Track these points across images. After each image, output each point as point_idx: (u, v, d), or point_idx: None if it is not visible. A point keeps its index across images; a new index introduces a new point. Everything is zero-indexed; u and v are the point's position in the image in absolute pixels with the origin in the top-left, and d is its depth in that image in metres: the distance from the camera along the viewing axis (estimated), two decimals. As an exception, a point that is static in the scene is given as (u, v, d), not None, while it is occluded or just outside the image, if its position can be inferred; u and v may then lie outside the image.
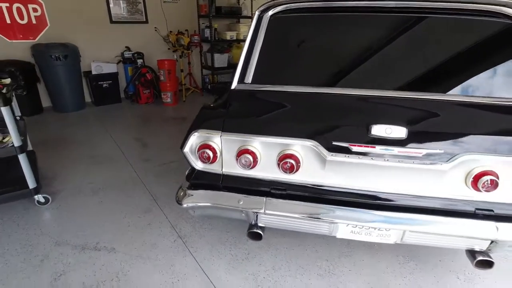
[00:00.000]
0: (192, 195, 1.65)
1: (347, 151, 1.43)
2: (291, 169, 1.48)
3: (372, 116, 1.45)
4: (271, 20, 1.72)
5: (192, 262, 1.95)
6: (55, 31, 4.68)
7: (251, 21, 1.74)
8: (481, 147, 1.35)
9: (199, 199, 1.64)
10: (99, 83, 4.95)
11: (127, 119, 4.78)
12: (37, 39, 4.67)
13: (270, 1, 1.75)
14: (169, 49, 5.49)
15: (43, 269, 1.86)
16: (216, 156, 1.58)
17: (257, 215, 1.65)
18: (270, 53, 1.72)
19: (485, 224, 1.42)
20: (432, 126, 1.43)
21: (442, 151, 1.36)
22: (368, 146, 1.41)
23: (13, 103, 2.52)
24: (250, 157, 1.51)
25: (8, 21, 4.53)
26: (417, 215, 1.47)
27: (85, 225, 2.26)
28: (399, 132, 1.38)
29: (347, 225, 1.57)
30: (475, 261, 1.54)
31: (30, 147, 2.93)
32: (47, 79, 4.59)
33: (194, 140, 1.57)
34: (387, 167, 1.42)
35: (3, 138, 2.25)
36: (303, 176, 1.54)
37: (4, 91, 2.10)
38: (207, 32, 5.60)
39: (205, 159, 1.56)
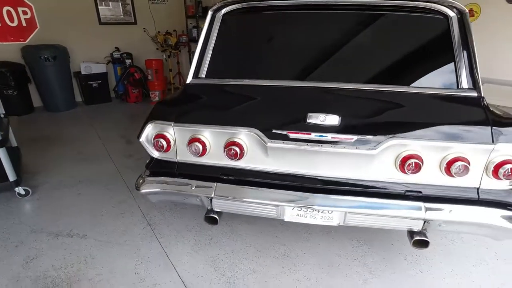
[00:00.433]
0: (149, 181, 1.77)
1: (285, 138, 1.54)
2: (235, 156, 1.60)
3: (309, 106, 1.57)
4: (224, 19, 1.84)
5: (157, 247, 2.07)
6: (45, 33, 4.83)
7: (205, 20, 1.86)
8: (407, 133, 1.46)
9: (155, 185, 1.76)
10: (89, 83, 5.10)
11: (115, 117, 4.92)
12: (27, 40, 4.82)
13: (223, 1, 1.87)
14: (157, 49, 5.63)
15: (17, 253, 2.00)
16: (170, 145, 1.70)
17: (211, 200, 1.78)
18: (222, 50, 1.84)
19: (414, 204, 1.54)
20: (363, 114, 1.55)
21: (371, 137, 1.48)
22: (304, 133, 1.52)
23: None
24: (200, 145, 1.63)
25: (-1, 23, 4.71)
26: (353, 197, 1.59)
27: (62, 215, 2.39)
28: (333, 120, 1.50)
29: (293, 208, 1.69)
30: (412, 240, 1.66)
31: (14, 144, 3.07)
32: (38, 79, 4.75)
33: (150, 130, 1.70)
34: (322, 152, 1.54)
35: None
36: (249, 163, 1.66)
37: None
38: (194, 32, 5.74)
39: (159, 148, 1.69)
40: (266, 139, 1.56)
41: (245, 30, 1.88)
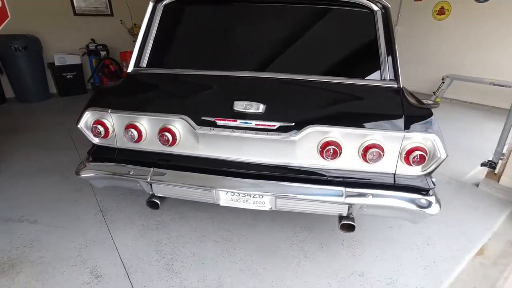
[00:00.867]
0: (89, 167, 1.83)
1: (213, 124, 1.61)
2: (167, 142, 1.66)
3: (236, 94, 1.64)
4: (164, 10, 1.89)
5: (105, 232, 2.13)
6: (17, 23, 4.77)
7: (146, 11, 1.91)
8: (326, 120, 1.54)
9: (94, 171, 1.82)
10: (63, 74, 5.09)
11: (89, 109, 4.92)
12: (-1, 30, 4.81)
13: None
14: (134, 41, 5.62)
15: (-36, 237, 2.04)
16: (108, 132, 1.75)
17: (151, 185, 1.84)
18: (162, 40, 1.89)
19: (336, 189, 1.62)
20: (287, 102, 1.63)
21: (293, 124, 1.55)
22: (230, 120, 1.59)
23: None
24: (135, 132, 1.69)
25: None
26: (279, 182, 1.66)
27: (16, 201, 2.43)
28: (257, 107, 1.57)
29: (226, 193, 1.76)
30: (339, 224, 1.75)
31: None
32: (9, 70, 4.72)
33: (88, 117, 1.75)
34: (248, 138, 1.61)
35: None
36: (182, 149, 1.73)
37: None
38: (172, 25, 5.74)
39: (97, 134, 1.74)
40: (195, 125, 1.62)
41: (183, 22, 1.94)
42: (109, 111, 1.71)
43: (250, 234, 2.15)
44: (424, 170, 1.56)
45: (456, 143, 3.83)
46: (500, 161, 2.69)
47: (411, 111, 1.54)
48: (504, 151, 2.65)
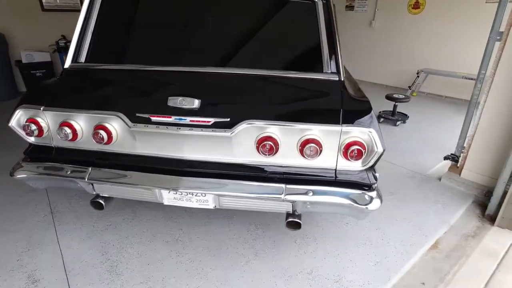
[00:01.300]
0: (24, 167, 1.75)
1: (148, 121, 1.54)
2: (102, 140, 1.59)
3: (171, 89, 1.57)
4: (103, 2, 1.81)
5: (52, 234, 2.06)
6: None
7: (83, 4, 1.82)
8: (262, 115, 1.48)
9: (29, 171, 1.74)
10: (32, 72, 4.94)
11: (59, 107, 4.80)
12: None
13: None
14: (107, 37, 5.48)
15: None
16: (43, 130, 1.67)
17: (92, 185, 1.77)
18: (101, 34, 1.81)
19: (276, 186, 1.57)
20: (223, 97, 1.57)
21: (228, 120, 1.49)
22: (165, 117, 1.53)
23: None
24: (69, 130, 1.61)
25: None
26: (219, 179, 1.61)
27: (-37, 204, 2.34)
28: (192, 103, 1.51)
29: (169, 191, 1.70)
30: (285, 222, 1.71)
31: None
32: (-28, 67, 4.56)
33: (20, 115, 1.67)
34: (184, 135, 1.54)
35: None
36: (120, 147, 1.66)
37: None
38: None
39: (30, 133, 1.66)
40: (129, 123, 1.55)
41: (122, 15, 1.86)
42: (41, 108, 1.63)
43: (202, 233, 2.09)
44: (365, 165, 1.52)
45: (425, 137, 3.83)
46: (462, 154, 2.69)
47: (350, 105, 1.50)
48: (465, 144, 2.65)
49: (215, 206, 1.74)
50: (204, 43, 1.75)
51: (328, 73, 1.62)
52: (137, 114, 1.55)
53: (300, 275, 1.78)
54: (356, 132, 1.45)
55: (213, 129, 1.50)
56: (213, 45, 1.73)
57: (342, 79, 1.61)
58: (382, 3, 5.93)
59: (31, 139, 1.73)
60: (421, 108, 4.97)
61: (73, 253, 1.91)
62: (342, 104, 1.49)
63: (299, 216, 1.72)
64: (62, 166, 1.72)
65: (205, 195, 1.69)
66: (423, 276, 1.82)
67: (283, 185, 1.57)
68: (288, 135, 1.50)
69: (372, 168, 1.58)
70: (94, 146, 1.68)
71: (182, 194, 1.70)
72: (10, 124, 1.68)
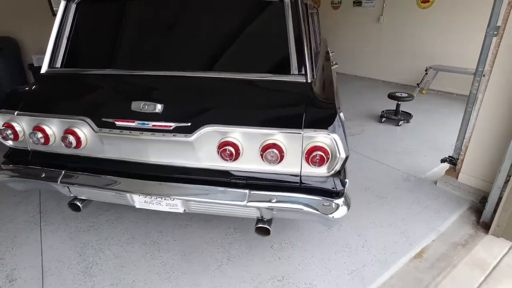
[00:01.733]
0: (2, 170, 1.81)
1: (112, 126, 1.55)
2: (70, 144, 1.61)
3: (136, 93, 1.57)
4: (77, 9, 1.83)
5: (36, 234, 2.12)
6: (-5, 26, 4.87)
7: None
8: (223, 120, 1.45)
9: (6, 174, 1.79)
10: (42, 74, 5.13)
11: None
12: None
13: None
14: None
15: None
16: (18, 135, 1.72)
17: (69, 188, 1.81)
18: (75, 39, 1.84)
19: (239, 192, 1.54)
20: (185, 102, 1.55)
21: (188, 124, 1.47)
22: (128, 121, 1.53)
23: None
24: (40, 134, 1.65)
25: None
26: (183, 184, 1.60)
27: (-39, 203, 2.46)
28: (155, 107, 1.50)
29: (139, 195, 1.71)
30: (254, 227, 1.67)
31: None
32: (-13, 72, 4.79)
33: (-4, 119, 1.72)
34: (148, 140, 1.54)
35: None
36: (90, 151, 1.68)
37: None
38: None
39: (6, 137, 1.71)
40: (95, 127, 1.57)
41: (94, 21, 1.87)
42: (15, 113, 1.68)
43: (180, 235, 2.09)
44: (330, 171, 1.46)
45: (428, 137, 3.66)
46: (459, 157, 2.54)
47: (314, 108, 1.44)
48: (463, 146, 2.50)
49: (184, 210, 1.73)
50: (169, 46, 1.74)
51: (295, 75, 1.57)
52: (103, 119, 1.56)
53: (270, 282, 1.74)
54: (319, 137, 1.39)
55: (174, 134, 1.49)
56: (179, 48, 1.72)
57: (310, 81, 1.55)
58: (390, -2, 5.72)
59: (9, 143, 1.78)
60: (428, 107, 4.75)
61: (53, 253, 1.96)
62: (306, 108, 1.43)
63: (268, 222, 1.68)
64: (37, 169, 1.77)
65: (173, 199, 1.68)
66: (402, 287, 1.73)
67: (246, 191, 1.54)
68: (250, 140, 1.46)
69: (339, 174, 1.51)
70: (66, 150, 1.71)
71: (151, 198, 1.71)
72: (-13, 129, 1.74)
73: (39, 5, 5.19)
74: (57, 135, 1.69)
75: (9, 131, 1.69)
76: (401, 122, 3.94)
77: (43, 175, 1.75)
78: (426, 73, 5.01)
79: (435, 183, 2.64)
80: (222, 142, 1.46)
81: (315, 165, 1.42)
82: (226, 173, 1.57)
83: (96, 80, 1.73)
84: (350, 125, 4.01)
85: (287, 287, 1.71)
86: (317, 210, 1.45)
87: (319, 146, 1.39)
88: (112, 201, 1.84)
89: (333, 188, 1.50)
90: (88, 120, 1.57)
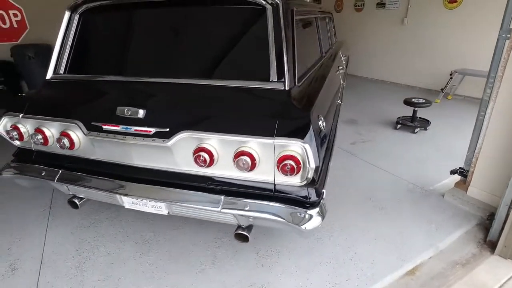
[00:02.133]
0: (9, 167, 1.97)
1: (100, 129, 1.64)
2: (64, 146, 1.72)
3: (121, 99, 1.65)
4: (79, 19, 1.96)
5: (42, 228, 2.28)
6: (35, 33, 5.32)
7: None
8: (198, 126, 1.48)
9: (12, 171, 1.96)
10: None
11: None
12: (19, 40, 5.37)
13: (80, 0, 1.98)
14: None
15: None
16: (23, 136, 1.87)
17: (67, 186, 1.94)
18: (77, 47, 1.97)
19: (214, 197, 1.56)
20: (166, 107, 1.61)
21: (166, 130, 1.52)
22: (113, 125, 1.61)
23: None
24: (40, 136, 1.79)
25: (-9, 27, 5.30)
26: (161, 187, 1.66)
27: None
28: (137, 112, 1.57)
29: (126, 196, 1.79)
30: (234, 233, 1.68)
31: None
32: (25, 76, 5.24)
33: (6, 121, 1.89)
34: (130, 144, 1.61)
35: None
36: (83, 152, 1.78)
37: None
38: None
39: (12, 138, 1.87)
40: (85, 130, 1.67)
41: (94, 30, 1.98)
42: (20, 116, 1.83)
43: (171, 237, 2.15)
44: (303, 181, 1.43)
45: (444, 146, 3.44)
46: (470, 169, 2.36)
47: (287, 116, 1.42)
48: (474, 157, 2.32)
49: (168, 213, 1.78)
50: (155, 54, 1.80)
51: (274, 82, 1.55)
52: (92, 123, 1.66)
53: (249, 289, 1.74)
54: (291, 146, 1.37)
55: (154, 138, 1.54)
56: (164, 55, 1.78)
57: (288, 88, 1.53)
58: (415, -1, 5.45)
59: (17, 143, 1.95)
60: (451, 113, 4.46)
61: (53, 246, 2.10)
62: (280, 116, 1.42)
63: (248, 229, 1.68)
64: (38, 168, 1.91)
65: (157, 201, 1.73)
66: (386, 304, 1.65)
67: (222, 197, 1.55)
68: (224, 147, 1.47)
69: (313, 184, 1.47)
70: (63, 151, 1.84)
71: (138, 199, 1.77)
72: (-3, 130, 1.91)
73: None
74: (55, 136, 1.82)
75: (15, 132, 1.85)
76: (417, 129, 3.74)
77: (43, 174, 1.89)
78: (451, 78, 4.70)
79: (443, 196, 2.48)
80: (197, 148, 1.49)
81: (287, 174, 1.40)
82: (203, 178, 1.60)
83: (91, 86, 1.84)
84: (362, 131, 3.88)
85: (265, 296, 1.69)
86: (289, 220, 1.43)
87: (290, 155, 1.37)
88: (105, 200, 1.93)
89: (307, 198, 1.47)
90: (80, 123, 1.68)
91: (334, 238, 2.08)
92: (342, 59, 3.76)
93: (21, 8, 5.28)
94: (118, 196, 1.79)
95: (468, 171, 2.39)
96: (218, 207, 1.53)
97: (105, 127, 1.63)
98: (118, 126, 1.60)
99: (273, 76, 1.56)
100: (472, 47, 4.75)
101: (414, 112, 3.78)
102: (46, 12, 5.40)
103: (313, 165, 1.34)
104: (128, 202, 1.82)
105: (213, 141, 1.48)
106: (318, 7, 3.01)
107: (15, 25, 5.35)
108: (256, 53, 1.64)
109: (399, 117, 3.95)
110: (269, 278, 1.80)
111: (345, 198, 2.52)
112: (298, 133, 1.36)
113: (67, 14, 1.98)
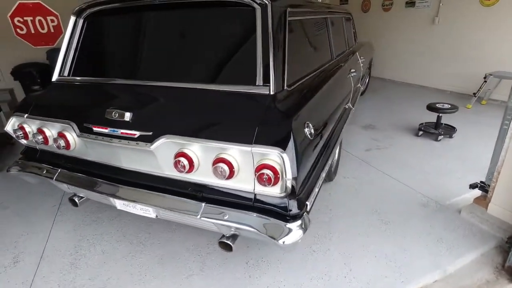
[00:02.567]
0: (16, 165, 2.08)
1: (90, 131, 1.67)
2: (60, 147, 1.78)
3: (111, 102, 1.67)
4: (84, 23, 2.03)
5: (49, 223, 2.39)
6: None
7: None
8: (179, 131, 1.45)
9: (18, 169, 2.06)
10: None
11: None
12: (55, 44, 5.75)
13: (86, 3, 2.04)
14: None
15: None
16: (28, 135, 1.97)
17: (66, 185, 2.01)
18: (81, 50, 2.04)
19: (195, 204, 1.52)
20: (151, 111, 1.59)
21: (150, 133, 1.51)
22: (102, 128, 1.63)
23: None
24: (40, 136, 1.86)
25: (32, 31, 5.69)
26: (146, 191, 1.66)
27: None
28: (123, 115, 1.57)
29: (117, 198, 1.81)
30: (218, 241, 1.64)
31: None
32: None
33: (14, 121, 1.99)
34: (117, 146, 1.62)
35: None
36: (79, 153, 1.83)
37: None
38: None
39: (18, 137, 1.97)
40: (78, 131, 1.71)
41: (97, 34, 2.03)
42: (25, 116, 1.92)
43: (165, 239, 2.15)
44: (282, 191, 1.34)
45: (469, 156, 3.13)
46: (492, 184, 2.12)
47: (268, 122, 1.35)
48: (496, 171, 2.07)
49: (156, 216, 1.77)
50: (147, 57, 1.81)
51: (260, 86, 1.48)
52: (84, 124, 1.70)
53: (232, 300, 1.68)
54: (269, 155, 1.29)
55: (138, 142, 1.54)
56: (154, 58, 1.78)
57: (274, 93, 1.45)
58: (448, -4, 5.07)
59: (24, 142, 2.05)
60: (482, 119, 4.07)
61: (55, 242, 2.18)
62: (260, 122, 1.35)
63: (233, 238, 1.62)
64: (39, 166, 2.00)
65: (145, 205, 1.73)
66: (377, 329, 1.51)
67: (202, 204, 1.51)
68: (205, 153, 1.43)
69: (295, 195, 1.38)
70: (60, 150, 1.90)
71: (127, 201, 1.79)
72: (5, 129, 2.02)
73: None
74: (53, 137, 1.88)
75: (20, 132, 1.94)
76: (440, 137, 3.45)
77: (44, 172, 1.97)
78: (485, 81, 4.30)
79: (460, 212, 2.24)
80: (177, 153, 1.46)
81: (265, 184, 1.32)
82: (185, 184, 1.57)
83: (88, 88, 1.89)
84: (379, 137, 3.66)
85: (247, 309, 1.62)
86: (265, 233, 1.35)
87: (268, 164, 1.30)
88: (100, 200, 1.97)
89: (287, 210, 1.38)
90: (74, 124, 1.72)
91: (331, 251, 1.96)
92: (360, 61, 3.59)
93: (58, 14, 5.66)
94: (110, 197, 1.82)
95: (489, 185, 2.15)
96: (197, 215, 1.49)
97: (95, 129, 1.65)
98: (107, 129, 1.62)
99: (259, 80, 1.50)
100: (508, 48, 4.31)
101: (438, 118, 3.50)
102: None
103: (289, 176, 1.26)
104: (119, 204, 1.84)
105: (194, 147, 1.44)
106: (329, 7, 2.88)
107: (52, 30, 5.74)
108: (244, 56, 1.58)
109: (421, 123, 3.68)
110: (255, 290, 1.73)
111: (349, 208, 2.38)
112: (277, 141, 1.28)
113: (72, 19, 2.06)
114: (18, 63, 5.68)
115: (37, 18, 5.59)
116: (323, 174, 1.72)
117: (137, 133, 1.54)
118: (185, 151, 1.44)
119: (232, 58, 1.62)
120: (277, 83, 1.49)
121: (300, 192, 1.42)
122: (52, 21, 5.68)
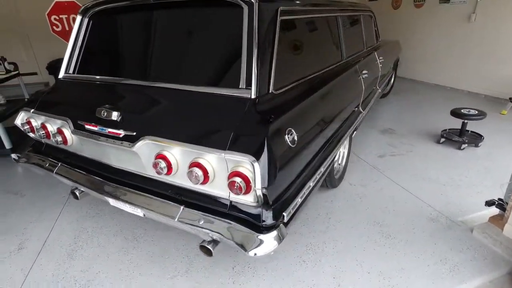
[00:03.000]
0: (25, 156, 2.20)
1: (83, 128, 1.72)
2: (58, 142, 1.85)
3: (103, 100, 1.70)
4: (89, 21, 2.09)
5: (56, 213, 2.50)
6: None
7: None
8: (158, 132, 1.45)
9: (26, 161, 2.17)
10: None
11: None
12: (85, 40, 6.08)
13: (92, 2, 2.09)
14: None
15: (-25, 200, 2.75)
16: (34, 129, 2.07)
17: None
18: (85, 48, 2.10)
19: (174, 206, 1.51)
20: (138, 111, 1.60)
21: (133, 133, 1.52)
22: (92, 125, 1.67)
23: None
24: (43, 131, 1.95)
25: (67, 28, 6.04)
26: (129, 189, 1.69)
27: (17, 179, 3.09)
28: (111, 114, 1.59)
29: (107, 195, 1.85)
30: (199, 245, 1.62)
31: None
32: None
33: (22, 116, 2.10)
34: (105, 145, 1.64)
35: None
36: (75, 148, 1.89)
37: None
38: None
39: (25, 130, 2.08)
40: (72, 128, 1.76)
41: (102, 32, 2.07)
42: (31, 111, 2.02)
43: (159, 237, 2.17)
44: (256, 201, 1.29)
45: (495, 167, 2.85)
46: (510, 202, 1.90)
47: (244, 128, 1.29)
48: (516, 189, 1.86)
49: (144, 215, 1.78)
50: (141, 56, 1.83)
51: (242, 89, 1.43)
52: (78, 121, 1.75)
53: (211, 305, 1.65)
54: (241, 162, 1.24)
55: (122, 141, 1.55)
56: (142, 58, 1.79)
57: (255, 96, 1.39)
58: (487, -10, 4.62)
59: (32, 135, 2.16)
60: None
61: (58, 231, 2.29)
62: (236, 127, 1.30)
63: (214, 243, 1.59)
64: (43, 159, 2.09)
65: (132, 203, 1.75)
66: None
67: (181, 207, 1.49)
68: (183, 156, 1.41)
69: (269, 205, 1.31)
70: (60, 146, 1.98)
71: (117, 198, 1.82)
72: (14, 122, 2.14)
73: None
74: (54, 132, 1.96)
75: (27, 126, 2.05)
76: (464, 146, 3.17)
77: (47, 165, 2.07)
78: (524, 85, 3.88)
79: (472, 231, 2.04)
80: (157, 155, 1.45)
81: (236, 192, 1.27)
82: (166, 186, 1.56)
83: (87, 86, 1.94)
84: (396, 143, 3.44)
85: (224, 316, 1.59)
86: (235, 243, 1.30)
87: (239, 171, 1.25)
88: (96, 196, 2.03)
89: (261, 220, 1.32)
90: (69, 121, 1.78)
91: (321, 263, 1.86)
92: (378, 61, 3.38)
93: (87, 11, 5.97)
94: (102, 194, 1.86)
95: (507, 203, 1.93)
96: (175, 218, 1.48)
97: (87, 126, 1.69)
98: (96, 127, 1.65)
99: (242, 82, 1.44)
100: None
101: (463, 124, 3.21)
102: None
103: (259, 185, 1.20)
104: (112, 200, 1.88)
105: (173, 150, 1.43)
106: (343, 4, 2.72)
107: (82, 27, 6.08)
108: (231, 57, 1.53)
109: (444, 130, 3.40)
110: (236, 297, 1.69)
111: (349, 218, 2.25)
112: (249, 148, 1.22)
113: (78, 18, 2.13)
114: (54, 58, 6.05)
115: (71, 16, 5.90)
116: (311, 183, 1.63)
117: (122, 133, 1.55)
118: (164, 153, 1.43)
119: (219, 60, 1.59)
120: (261, 86, 1.42)
121: (276, 202, 1.35)
122: (84, 18, 6.02)
